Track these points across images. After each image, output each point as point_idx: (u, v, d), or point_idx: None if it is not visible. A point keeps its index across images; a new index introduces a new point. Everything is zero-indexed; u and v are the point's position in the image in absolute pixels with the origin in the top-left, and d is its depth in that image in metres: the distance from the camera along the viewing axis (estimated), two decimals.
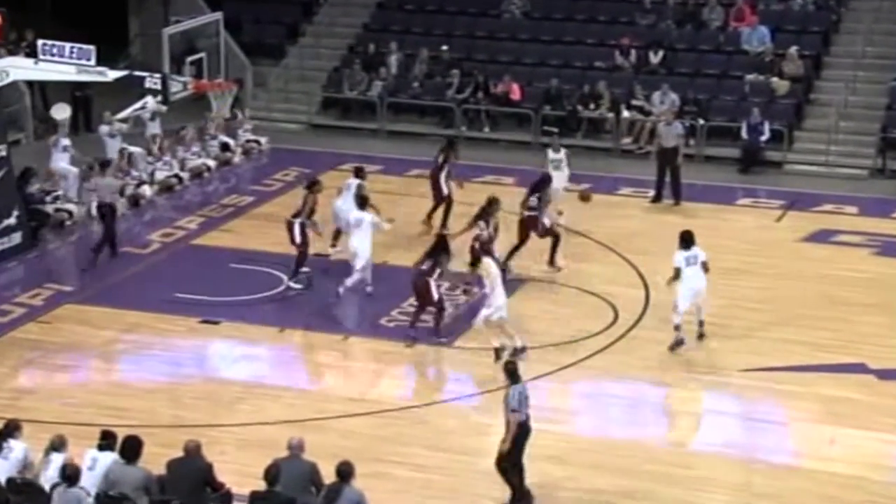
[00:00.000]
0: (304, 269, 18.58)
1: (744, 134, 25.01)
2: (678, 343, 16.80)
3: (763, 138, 24.95)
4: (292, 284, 18.46)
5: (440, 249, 17.12)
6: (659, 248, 20.26)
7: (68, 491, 11.50)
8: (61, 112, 22.67)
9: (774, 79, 26.12)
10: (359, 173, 19.99)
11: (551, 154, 21.23)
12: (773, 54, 26.42)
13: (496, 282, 16.20)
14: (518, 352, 16.07)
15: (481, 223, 18.00)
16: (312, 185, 18.71)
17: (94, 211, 21.01)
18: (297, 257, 18.53)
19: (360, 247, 18.04)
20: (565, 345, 16.93)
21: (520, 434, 12.92)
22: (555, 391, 16.09)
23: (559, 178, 20.76)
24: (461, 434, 14.78)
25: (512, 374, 13.07)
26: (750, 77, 26.32)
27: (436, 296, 16.91)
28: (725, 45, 27.25)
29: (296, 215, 18.46)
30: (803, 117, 26.01)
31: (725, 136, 25.45)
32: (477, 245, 17.73)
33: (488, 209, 18.13)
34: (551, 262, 19.28)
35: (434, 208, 20.73)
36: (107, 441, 12.04)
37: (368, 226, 18.12)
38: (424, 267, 16.97)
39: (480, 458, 14.10)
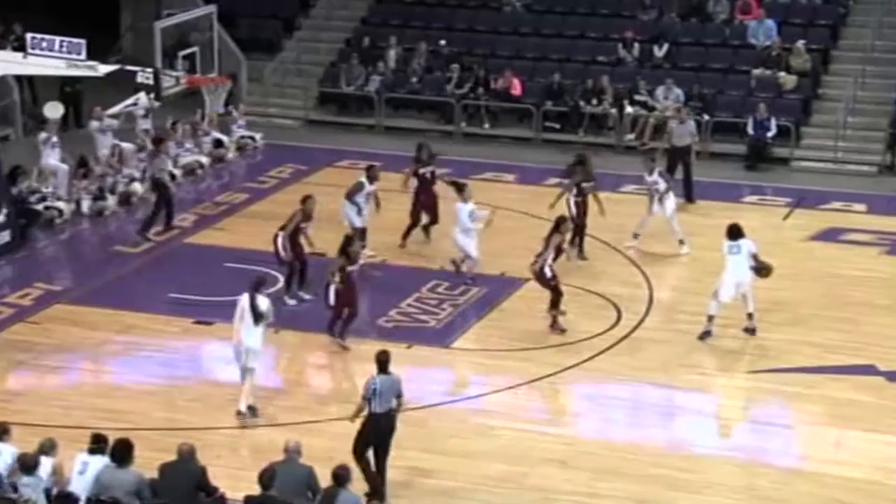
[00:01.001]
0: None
1: (750, 130, 25.04)
2: (706, 334, 16.94)
3: (770, 134, 24.99)
4: (288, 300, 17.88)
5: (341, 251, 16.66)
6: (663, 247, 20.36)
7: (31, 478, 11.57)
8: (55, 111, 22.64)
9: (781, 73, 26.15)
10: (367, 171, 19.66)
11: (646, 177, 20.23)
12: (779, 48, 26.46)
13: (237, 320, 14.86)
14: (247, 413, 14.84)
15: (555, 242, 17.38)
16: (304, 200, 17.99)
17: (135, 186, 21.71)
18: (287, 273, 18.05)
19: (458, 239, 18.35)
20: (567, 345, 16.96)
21: (368, 424, 13.10)
22: (557, 393, 16.15)
23: (655, 202, 20.08)
24: (461, 437, 14.82)
25: (379, 365, 13.29)
26: (756, 72, 26.36)
27: (331, 300, 16.57)
28: (731, 38, 27.29)
29: (282, 228, 18.02)
30: (811, 113, 26.05)
31: (731, 132, 25.49)
32: (544, 268, 17.14)
33: (559, 229, 17.47)
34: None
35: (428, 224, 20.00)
36: (98, 445, 12.07)
37: (464, 217, 18.30)
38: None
39: (481, 462, 14.16)
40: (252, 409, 14.91)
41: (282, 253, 17.88)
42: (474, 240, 18.53)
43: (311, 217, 18.01)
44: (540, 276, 17.22)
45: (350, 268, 16.62)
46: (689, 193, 22.43)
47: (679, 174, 22.43)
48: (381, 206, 19.56)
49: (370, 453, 13.19)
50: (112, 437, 12.12)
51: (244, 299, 14.92)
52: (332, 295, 16.62)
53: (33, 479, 11.67)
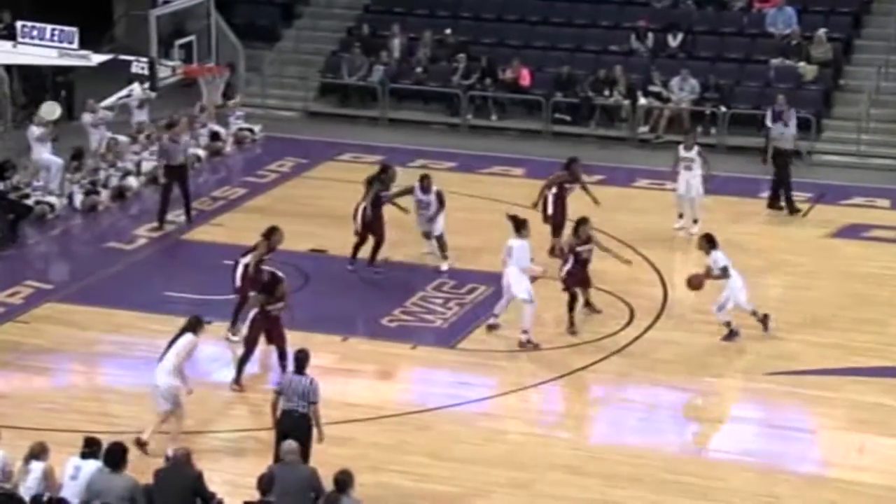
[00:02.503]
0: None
1: (768, 122, 24.94)
2: (735, 335, 16.96)
3: None
4: (231, 337, 16.83)
5: (264, 287, 15.85)
6: (678, 244, 20.32)
7: None
8: (52, 112, 22.59)
9: (801, 63, 26.08)
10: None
11: (682, 152, 20.55)
12: (800, 37, 26.38)
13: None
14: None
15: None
16: (269, 233, 16.88)
17: (161, 175, 21.34)
18: (237, 303, 16.82)
19: (513, 279, 16.84)
20: (579, 346, 16.91)
21: (279, 419, 13.28)
22: (567, 396, 16.12)
23: (686, 180, 20.29)
24: (467, 442, 14.79)
25: (295, 363, 13.53)
26: (775, 62, 26.29)
27: (245, 331, 15.85)
28: (749, 27, 27.21)
29: (244, 254, 17.10)
30: (832, 104, 25.98)
31: (749, 124, 25.40)
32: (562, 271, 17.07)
33: (576, 231, 17.31)
34: (552, 251, 18.98)
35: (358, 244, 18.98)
36: (90, 448, 12.06)
37: (524, 254, 16.90)
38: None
39: (488, 468, 14.13)
40: (144, 444, 14.01)
41: (238, 281, 16.87)
42: (527, 280, 17.05)
43: (274, 249, 16.85)
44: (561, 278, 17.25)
45: (271, 307, 15.63)
46: (790, 201, 21.78)
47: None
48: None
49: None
50: (104, 442, 12.10)
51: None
52: (245, 327, 15.79)
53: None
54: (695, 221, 20.46)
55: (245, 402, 15.62)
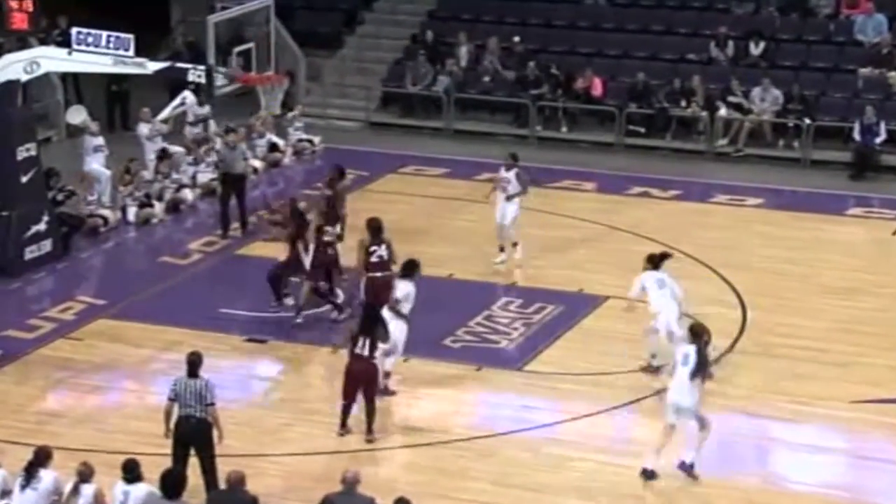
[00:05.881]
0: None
1: (856, 135, 24.80)
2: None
3: (878, 140, 24.73)
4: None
5: (374, 321, 15.32)
6: (757, 263, 20.20)
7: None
8: (76, 116, 22.95)
9: (892, 73, 25.87)
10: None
11: (501, 172, 19.86)
12: (890, 45, 26.18)
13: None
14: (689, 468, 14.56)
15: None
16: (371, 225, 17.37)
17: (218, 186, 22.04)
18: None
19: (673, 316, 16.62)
20: (651, 370, 16.84)
21: (176, 427, 13.52)
22: (637, 421, 16.04)
23: (501, 204, 19.55)
24: (533, 468, 14.79)
25: (187, 366, 13.71)
26: (864, 71, 26.10)
27: (381, 383, 15.27)
28: (836, 35, 27.05)
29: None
30: None
31: (835, 137, 25.27)
32: None
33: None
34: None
35: None
36: (132, 473, 12.17)
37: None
38: (365, 351, 15.01)
39: (553, 496, 14.12)
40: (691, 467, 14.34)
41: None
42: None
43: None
44: None
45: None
46: None
47: None
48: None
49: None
50: (149, 462, 12.23)
51: (687, 350, 14.29)
52: (381, 379, 15.32)
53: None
54: (514, 245, 19.61)
55: (301, 424, 15.70)
